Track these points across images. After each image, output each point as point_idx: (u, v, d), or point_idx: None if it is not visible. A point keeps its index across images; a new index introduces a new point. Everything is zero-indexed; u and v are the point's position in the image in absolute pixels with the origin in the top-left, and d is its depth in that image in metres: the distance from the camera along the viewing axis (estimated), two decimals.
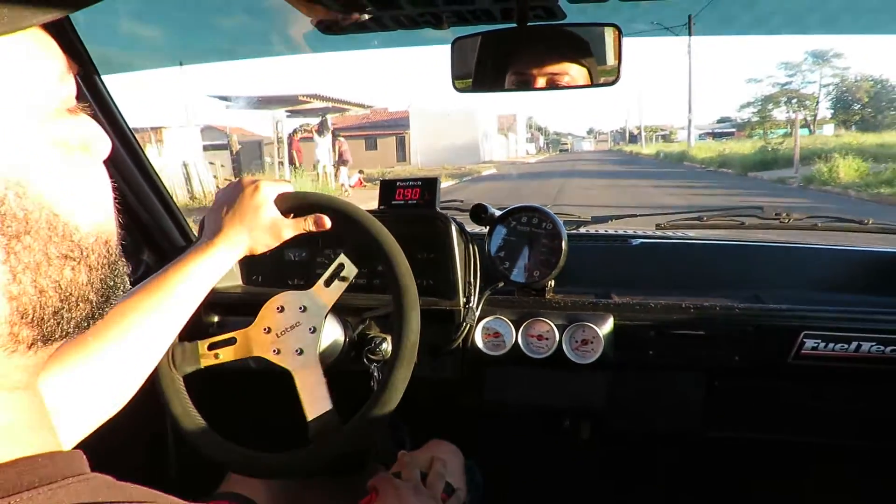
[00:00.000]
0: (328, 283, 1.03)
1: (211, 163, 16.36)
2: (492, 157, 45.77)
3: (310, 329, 1.02)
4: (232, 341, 1.03)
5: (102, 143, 0.43)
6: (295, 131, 18.97)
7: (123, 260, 0.44)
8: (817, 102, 49.47)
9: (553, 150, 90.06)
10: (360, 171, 20.20)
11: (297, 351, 1.01)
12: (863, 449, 1.41)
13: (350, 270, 1.03)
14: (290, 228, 0.98)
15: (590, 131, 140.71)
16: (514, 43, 1.03)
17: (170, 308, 0.83)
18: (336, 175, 16.48)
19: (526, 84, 1.06)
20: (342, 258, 1.03)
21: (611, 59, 1.01)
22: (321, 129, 17.08)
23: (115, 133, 1.35)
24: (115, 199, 0.44)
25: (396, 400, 0.95)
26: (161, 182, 1.50)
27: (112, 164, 1.37)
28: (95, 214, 0.40)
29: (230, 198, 0.96)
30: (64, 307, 0.37)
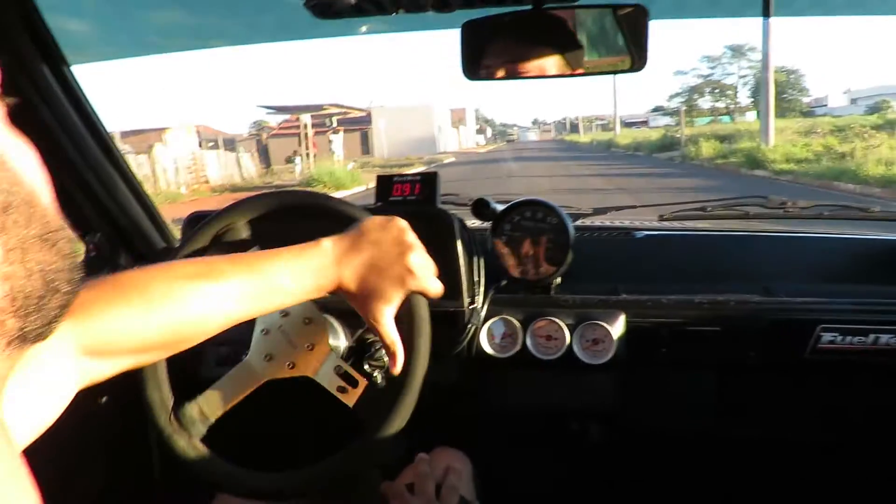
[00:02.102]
0: (336, 372, 0.94)
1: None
2: (447, 148, 49.62)
3: (289, 364, 0.93)
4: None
5: None
6: (307, 125, 23.09)
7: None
8: (736, 92, 52.77)
9: (500, 141, 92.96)
10: (354, 160, 26.12)
11: (267, 356, 0.94)
12: (885, 445, 1.38)
13: (350, 400, 0.92)
14: (381, 327, 0.80)
15: (534, 122, 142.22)
16: (530, 27, 0.96)
17: (246, 299, 0.71)
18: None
19: (543, 71, 0.98)
20: (363, 384, 0.93)
21: (635, 43, 0.94)
22: (331, 129, 24.77)
23: (88, 129, 1.25)
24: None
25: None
26: (138, 181, 1.40)
27: (86, 162, 1.27)
28: (50, 199, 0.37)
29: (390, 244, 0.79)
30: (46, 295, 0.35)
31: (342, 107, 25.38)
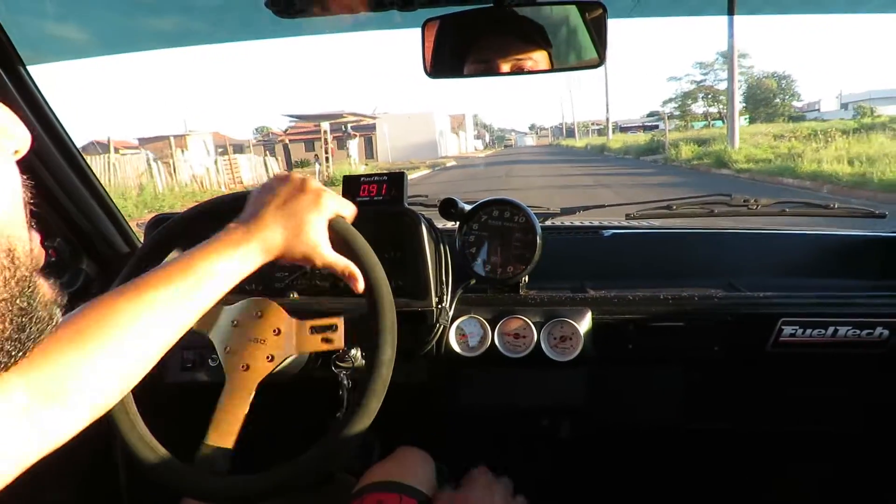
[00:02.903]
0: (314, 331, 0.93)
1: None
2: (447, 152, 52.99)
3: (268, 356, 0.92)
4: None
5: (15, 133, 0.36)
6: (327, 131, 26.27)
7: (40, 276, 0.36)
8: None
9: (498, 146, 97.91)
10: (365, 164, 30.41)
11: (243, 366, 0.92)
12: (844, 434, 1.42)
13: (338, 339, 0.92)
14: (326, 260, 0.83)
15: (532, 127, 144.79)
16: (491, 25, 0.96)
17: (179, 310, 0.71)
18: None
19: (503, 68, 0.99)
20: (339, 321, 0.92)
21: (595, 40, 0.96)
22: (347, 135, 30.02)
23: (46, 131, 1.22)
24: (31, 199, 0.37)
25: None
26: (100, 183, 1.37)
27: (44, 165, 1.24)
28: None
29: (286, 193, 0.82)
30: None
31: (357, 115, 32.48)
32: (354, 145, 30.39)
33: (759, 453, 1.47)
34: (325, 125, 26.29)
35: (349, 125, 30.90)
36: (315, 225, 0.81)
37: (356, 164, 28.24)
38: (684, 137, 27.71)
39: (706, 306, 1.24)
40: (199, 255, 0.74)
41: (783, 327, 1.21)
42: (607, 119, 52.14)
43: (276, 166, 26.97)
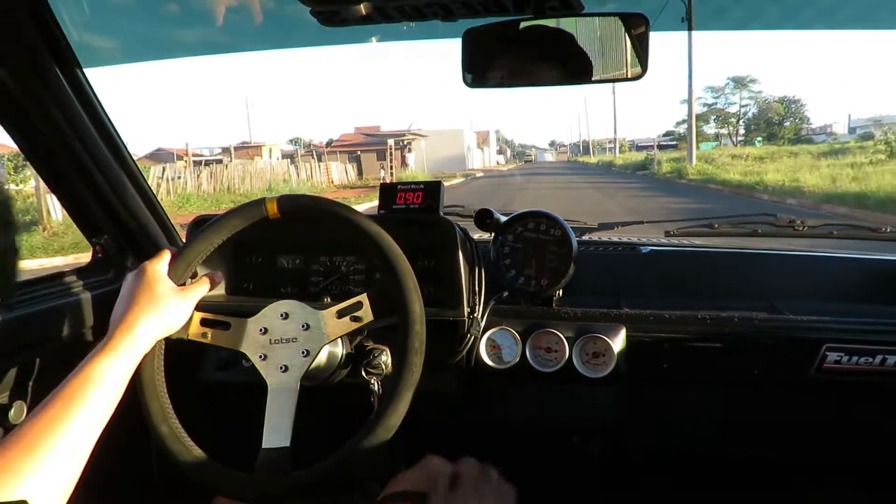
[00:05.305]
0: (340, 315, 0.96)
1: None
2: (473, 165, 60.25)
3: (303, 351, 0.95)
4: (226, 326, 0.98)
5: None
6: (392, 146, 34.79)
7: None
8: (738, 120, 57.05)
9: (519, 161, 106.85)
10: (422, 172, 39.35)
11: (281, 367, 0.94)
12: (888, 466, 1.35)
13: (366, 314, 0.96)
14: (193, 298, 0.96)
15: (552, 143, 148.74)
16: (532, 36, 0.96)
17: (86, 417, 0.80)
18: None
19: (542, 79, 0.99)
20: (363, 298, 0.96)
21: (635, 52, 0.95)
22: (407, 148, 40.43)
23: (98, 132, 1.27)
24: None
25: (385, 438, 0.90)
26: (147, 184, 1.42)
27: (96, 165, 1.29)
28: None
29: (132, 288, 0.93)
30: None
31: (412, 132, 42.92)
32: (412, 156, 40.32)
33: (797, 483, 1.41)
34: (391, 141, 35.82)
35: (406, 141, 39.96)
36: (156, 288, 0.92)
37: (414, 172, 37.46)
38: (668, 157, 35.77)
39: (746, 328, 1.20)
40: (80, 374, 0.82)
41: (827, 353, 1.16)
42: (615, 139, 66.01)
43: (352, 171, 35.28)
